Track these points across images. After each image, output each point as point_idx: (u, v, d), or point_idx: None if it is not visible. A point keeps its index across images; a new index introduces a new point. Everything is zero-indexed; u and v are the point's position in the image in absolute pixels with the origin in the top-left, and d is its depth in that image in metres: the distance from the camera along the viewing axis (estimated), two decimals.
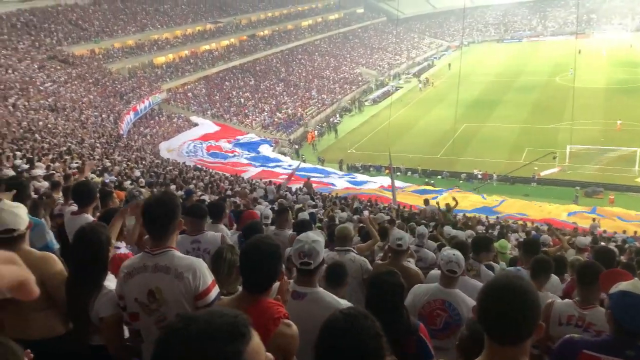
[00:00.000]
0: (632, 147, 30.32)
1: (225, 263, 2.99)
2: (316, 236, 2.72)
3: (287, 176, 22.16)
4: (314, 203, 13.74)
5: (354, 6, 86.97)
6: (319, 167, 32.58)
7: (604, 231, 16.10)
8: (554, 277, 4.53)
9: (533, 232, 12.62)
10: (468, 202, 22.43)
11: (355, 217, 10.48)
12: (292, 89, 53.00)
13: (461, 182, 31.02)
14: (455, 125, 38.11)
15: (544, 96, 46.18)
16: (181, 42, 52.01)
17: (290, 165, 29.85)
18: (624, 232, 16.58)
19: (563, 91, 45.78)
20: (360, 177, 29.66)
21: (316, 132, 43.16)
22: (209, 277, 2.48)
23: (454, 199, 12.61)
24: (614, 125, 35.21)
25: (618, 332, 2.23)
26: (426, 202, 14.17)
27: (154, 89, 42.09)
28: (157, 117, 40.66)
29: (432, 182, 30.83)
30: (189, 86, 47.60)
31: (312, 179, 24.02)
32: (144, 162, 21.91)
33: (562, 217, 20.86)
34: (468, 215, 16.61)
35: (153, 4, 55.10)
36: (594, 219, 18.15)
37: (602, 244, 9.71)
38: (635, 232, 16.35)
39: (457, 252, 3.71)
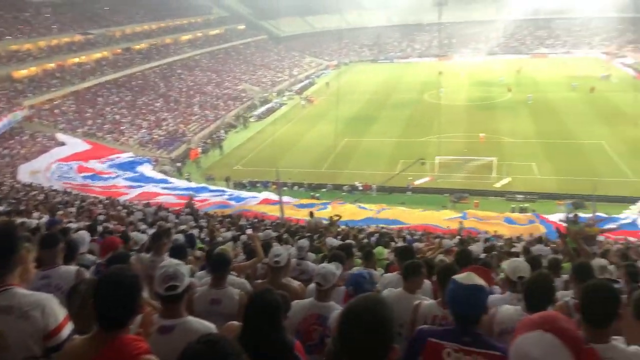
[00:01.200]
0: (490, 156, 33.82)
1: (79, 297, 2.74)
2: (178, 261, 2.62)
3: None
4: (195, 224, 13.30)
5: (235, 23, 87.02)
6: (210, 186, 31.64)
7: (470, 233, 17.68)
8: (426, 281, 4.78)
9: (408, 237, 13.43)
10: (350, 212, 23.32)
11: (242, 235, 10.34)
12: (172, 104, 51.24)
13: (344, 194, 32.26)
14: (336, 140, 39.73)
15: (415, 112, 49.80)
16: (46, 54, 47.80)
17: (175, 186, 28.72)
18: (486, 232, 18.33)
19: (431, 108, 49.89)
20: (246, 193, 29.40)
21: (200, 149, 42.06)
22: (60, 313, 2.25)
23: (336, 215, 13.00)
24: (477, 137, 39.06)
25: (455, 319, 2.44)
26: (311, 214, 14.45)
27: (13, 105, 38.07)
28: (18, 137, 36.76)
29: (317, 195, 31.65)
30: (56, 102, 43.76)
31: (199, 197, 23.33)
32: (2, 188, 19.62)
33: (438, 222, 22.41)
34: (352, 226, 17.28)
35: (11, 11, 49.92)
36: (460, 222, 19.89)
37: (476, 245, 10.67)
38: (495, 232, 18.18)
39: (327, 265, 3.77)
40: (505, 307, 3.48)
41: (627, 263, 6.58)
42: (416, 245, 10.76)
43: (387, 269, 6.53)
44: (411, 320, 3.54)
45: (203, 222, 14.29)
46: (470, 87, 59.49)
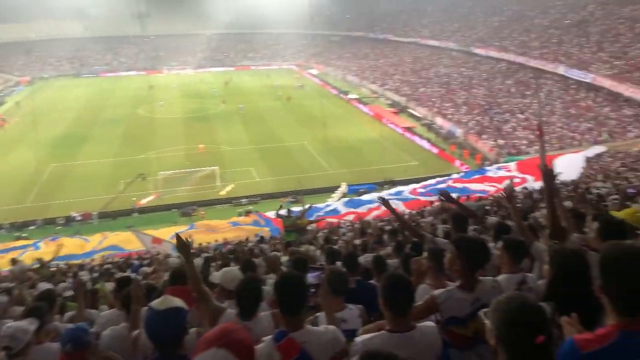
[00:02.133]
0: (212, 166, 34.97)
1: None
2: None
3: None
4: None
5: None
6: None
7: (200, 244, 17.92)
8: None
9: (135, 263, 12.78)
10: (73, 246, 20.82)
11: None
12: None
13: (59, 227, 28.52)
14: (40, 167, 34.90)
15: (130, 128, 47.65)
16: None
17: None
18: (216, 240, 18.86)
19: (147, 122, 48.61)
20: None
21: None
22: None
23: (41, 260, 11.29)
24: (196, 149, 39.80)
25: (156, 347, 2.38)
26: (13, 261, 12.26)
27: None
28: None
29: (25, 234, 27.09)
30: None
31: None
32: None
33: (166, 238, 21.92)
34: (70, 262, 15.45)
35: None
36: (190, 237, 19.93)
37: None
38: (225, 239, 18.87)
39: (17, 323, 3.25)
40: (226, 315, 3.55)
41: (328, 246, 7.72)
42: (144, 270, 10.36)
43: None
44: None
45: None
46: (184, 100, 60.32)
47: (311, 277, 3.10)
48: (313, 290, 3.04)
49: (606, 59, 40.36)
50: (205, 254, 10.73)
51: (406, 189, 25.09)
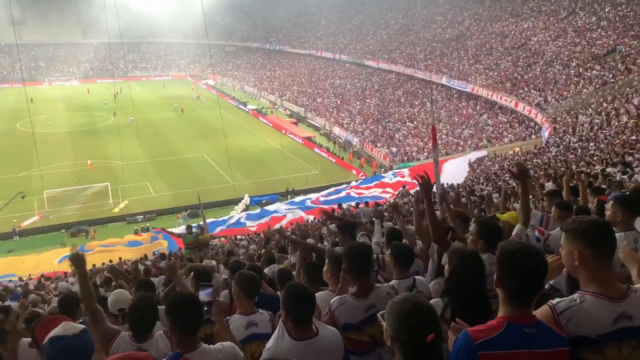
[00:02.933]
0: (103, 182, 32.91)
1: None
2: None
3: None
4: None
5: None
6: None
7: (94, 265, 16.79)
8: None
9: (18, 291, 11.70)
10: None
11: None
12: None
13: None
14: None
15: (8, 145, 43.47)
16: None
17: None
18: (110, 261, 17.71)
19: (26, 138, 44.38)
20: None
21: None
22: None
23: None
24: (85, 165, 37.21)
25: None
26: None
27: None
28: None
29: None
30: None
31: None
32: None
33: (53, 263, 20.28)
34: None
35: None
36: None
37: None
38: (120, 258, 17.79)
39: None
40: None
41: (230, 260, 7.69)
42: (33, 297, 9.74)
43: None
44: None
45: None
46: (70, 113, 56.33)
47: (203, 295, 3.08)
48: (206, 308, 3.02)
49: (482, 70, 44.34)
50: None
51: (308, 199, 25.59)
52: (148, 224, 28.99)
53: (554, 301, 2.13)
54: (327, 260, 3.70)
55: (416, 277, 3.79)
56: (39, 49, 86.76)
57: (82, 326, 2.32)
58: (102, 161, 38.66)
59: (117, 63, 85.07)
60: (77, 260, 3.32)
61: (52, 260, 21.27)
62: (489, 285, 3.49)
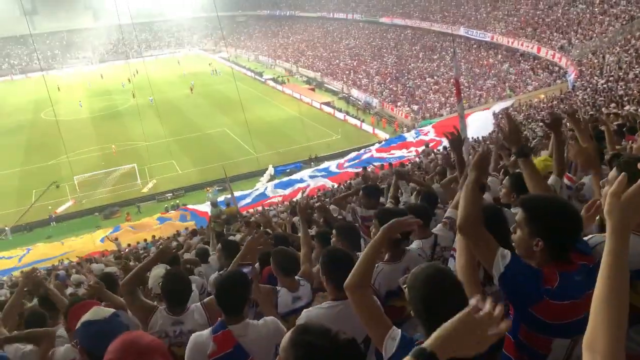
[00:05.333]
0: (129, 164, 33.45)
1: None
2: None
3: None
4: None
5: None
6: None
7: (129, 245, 17.30)
8: None
9: (62, 274, 12.15)
10: None
11: None
12: None
13: None
14: None
15: (34, 135, 44.40)
16: None
17: None
18: (145, 240, 18.22)
19: (51, 127, 45.16)
20: None
21: None
22: None
23: None
24: (109, 149, 37.83)
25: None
26: None
27: None
28: None
29: None
30: None
31: None
32: None
33: (96, 243, 20.88)
34: None
35: None
36: (116, 239, 19.19)
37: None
38: (154, 237, 18.28)
39: None
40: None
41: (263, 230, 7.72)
42: (77, 277, 10.12)
43: None
44: None
45: None
46: (91, 98, 56.80)
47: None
48: None
49: (501, 17, 42.76)
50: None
51: (332, 164, 25.56)
52: (177, 201, 29.52)
53: (586, 238, 2.13)
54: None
55: (437, 232, 3.74)
56: (53, 38, 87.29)
57: (112, 310, 2.38)
58: (126, 143, 39.21)
59: (130, 44, 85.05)
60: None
61: (94, 241, 21.90)
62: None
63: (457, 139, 3.72)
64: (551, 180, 3.74)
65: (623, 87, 19.77)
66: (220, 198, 20.39)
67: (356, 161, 24.31)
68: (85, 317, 2.27)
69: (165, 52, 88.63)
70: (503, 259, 1.96)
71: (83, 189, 31.54)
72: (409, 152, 23.84)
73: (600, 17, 32.49)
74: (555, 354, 1.91)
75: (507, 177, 3.77)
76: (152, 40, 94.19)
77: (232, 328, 2.68)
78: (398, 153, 24.05)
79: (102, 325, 2.22)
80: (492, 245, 2.02)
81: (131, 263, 8.57)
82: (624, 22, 29.72)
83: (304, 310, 2.81)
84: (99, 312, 2.31)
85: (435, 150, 20.98)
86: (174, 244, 11.05)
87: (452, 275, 1.79)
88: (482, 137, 21.34)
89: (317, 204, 8.52)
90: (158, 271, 4.29)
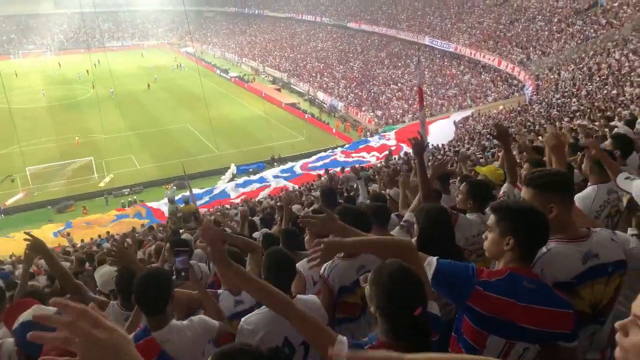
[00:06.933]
0: (86, 157, 32.45)
1: None
2: None
3: None
4: None
5: None
6: None
7: (82, 240, 16.80)
8: None
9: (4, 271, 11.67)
10: None
11: None
12: None
13: None
14: None
15: None
16: None
17: None
18: (99, 236, 17.75)
19: (4, 114, 43.34)
20: None
21: None
22: None
23: None
24: (68, 140, 36.54)
25: None
26: None
27: None
28: None
29: None
30: None
31: None
32: None
33: (49, 238, 20.12)
34: None
35: None
36: (68, 234, 18.59)
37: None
38: (108, 233, 17.82)
39: None
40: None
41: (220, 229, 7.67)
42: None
43: None
44: None
45: None
46: (49, 87, 54.70)
47: (178, 262, 3.04)
48: (183, 274, 3.00)
49: (465, 29, 43.91)
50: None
51: (297, 165, 25.60)
52: (135, 197, 28.85)
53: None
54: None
55: (394, 235, 3.76)
56: (10, 21, 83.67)
57: (54, 309, 2.26)
58: (84, 135, 37.99)
59: (92, 33, 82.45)
60: (36, 246, 3.23)
61: (46, 236, 21.09)
62: (477, 245, 3.57)
63: (420, 145, 3.83)
64: (505, 187, 3.92)
65: (576, 102, 20.69)
66: (178, 196, 20.09)
67: (320, 163, 24.45)
68: (24, 316, 2.09)
69: (129, 44, 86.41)
70: (429, 266, 2.03)
71: (36, 180, 30.37)
72: (371, 155, 24.17)
73: (558, 34, 33.88)
74: (489, 351, 2.00)
75: (463, 183, 3.89)
76: (115, 30, 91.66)
77: (155, 335, 2.53)
78: (361, 156, 24.34)
79: (43, 326, 2.11)
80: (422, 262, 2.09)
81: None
82: (579, 42, 31.11)
83: (243, 318, 2.70)
84: (39, 311, 2.13)
85: (395, 157, 21.36)
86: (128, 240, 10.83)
87: (413, 271, 1.83)
88: (442, 144, 21.87)
89: (278, 203, 8.55)
90: (106, 270, 4.17)
